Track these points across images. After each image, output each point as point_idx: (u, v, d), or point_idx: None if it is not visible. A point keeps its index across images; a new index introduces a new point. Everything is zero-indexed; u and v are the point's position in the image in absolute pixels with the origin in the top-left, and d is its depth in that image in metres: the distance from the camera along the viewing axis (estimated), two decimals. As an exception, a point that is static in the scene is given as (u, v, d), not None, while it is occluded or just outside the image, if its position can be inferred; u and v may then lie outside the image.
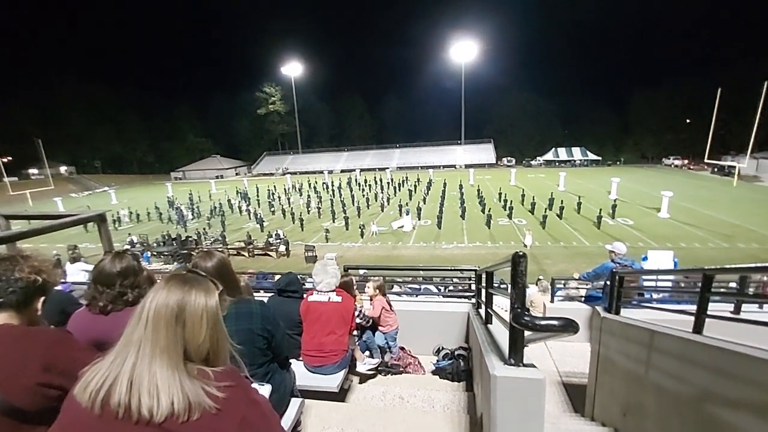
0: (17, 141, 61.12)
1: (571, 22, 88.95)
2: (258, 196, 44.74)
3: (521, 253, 1.93)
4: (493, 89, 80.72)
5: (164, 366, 0.94)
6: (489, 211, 28.75)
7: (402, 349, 4.74)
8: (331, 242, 25.40)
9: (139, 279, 2.14)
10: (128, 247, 22.35)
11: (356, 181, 52.87)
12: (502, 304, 6.08)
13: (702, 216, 27.95)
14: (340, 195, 42.28)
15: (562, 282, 8.50)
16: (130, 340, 0.97)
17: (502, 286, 8.86)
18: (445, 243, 24.32)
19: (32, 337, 1.39)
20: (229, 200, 41.24)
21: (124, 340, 0.98)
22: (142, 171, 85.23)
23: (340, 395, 3.49)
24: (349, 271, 5.81)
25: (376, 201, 38.01)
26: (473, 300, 4.89)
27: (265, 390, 2.03)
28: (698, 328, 2.43)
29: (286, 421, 2.34)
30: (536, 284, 9.61)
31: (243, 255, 23.66)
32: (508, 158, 72.71)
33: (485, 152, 75.02)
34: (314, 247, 22.51)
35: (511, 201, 31.76)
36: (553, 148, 72.17)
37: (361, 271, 8.71)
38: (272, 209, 37.16)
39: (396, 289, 7.94)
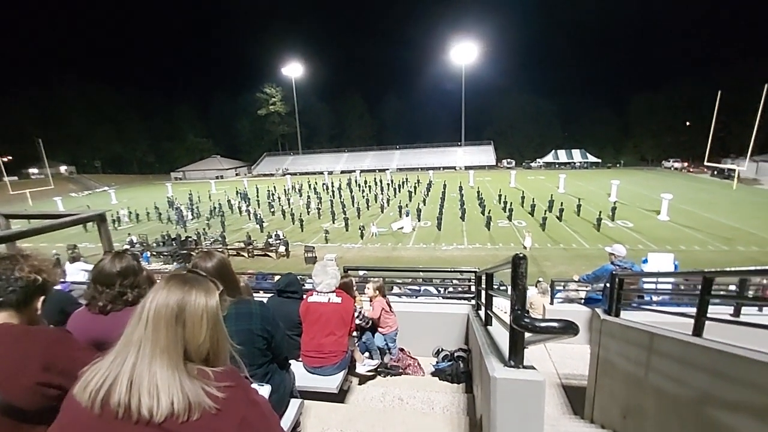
0: (17, 140, 61.18)
1: (571, 23, 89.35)
2: (258, 196, 44.74)
3: (521, 255, 1.93)
4: (493, 91, 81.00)
5: (164, 366, 0.94)
6: (489, 212, 28.73)
7: (401, 350, 4.73)
8: (331, 243, 25.38)
9: (139, 279, 2.14)
10: (128, 247, 22.33)
11: (356, 182, 52.86)
12: (501, 305, 6.08)
13: (702, 219, 27.95)
14: (340, 196, 42.27)
15: (562, 284, 8.50)
16: (130, 340, 0.97)
17: (501, 287, 8.86)
18: (445, 244, 24.31)
19: (32, 337, 1.39)
20: (229, 201, 41.22)
21: (124, 340, 0.98)
22: (142, 171, 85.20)
23: (339, 396, 3.48)
24: (349, 272, 5.81)
25: (376, 202, 38.00)
26: (473, 302, 4.89)
27: (264, 390, 2.03)
28: (698, 331, 2.44)
29: (286, 421, 2.34)
30: (536, 286, 9.61)
31: (242, 255, 23.65)
32: (508, 160, 72.79)
33: (485, 154, 75.05)
34: (314, 248, 22.50)
35: (511, 203, 31.74)
36: (553, 150, 72.22)
37: (361, 272, 8.72)
38: (272, 210, 37.14)
39: (396, 290, 7.93)
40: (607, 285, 4.59)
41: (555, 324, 1.80)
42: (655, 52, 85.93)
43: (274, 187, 49.77)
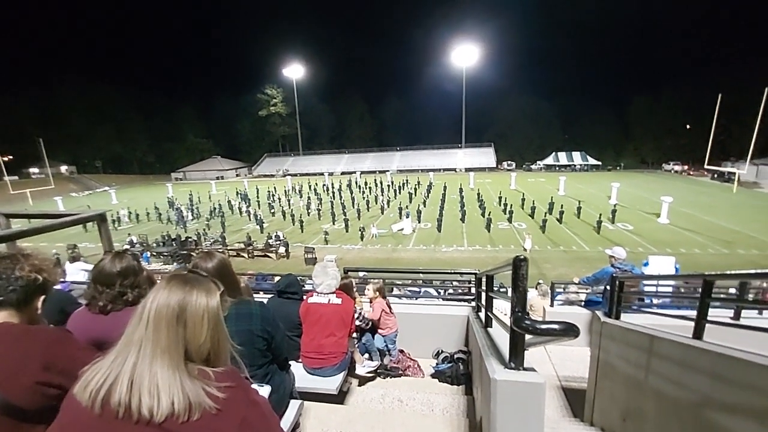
0: (18, 140, 61.23)
1: (572, 26, 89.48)
2: (258, 197, 44.76)
3: (522, 257, 1.92)
4: (494, 93, 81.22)
5: (165, 366, 0.94)
6: (489, 214, 28.73)
7: (401, 351, 4.73)
8: (331, 244, 25.38)
9: (139, 279, 2.14)
10: (128, 247, 22.33)
11: (356, 183, 52.88)
12: (501, 307, 6.08)
13: (702, 222, 27.95)
14: (340, 197, 42.30)
15: (562, 286, 8.49)
16: (131, 340, 0.97)
17: (501, 290, 8.86)
18: (445, 246, 24.31)
19: (32, 336, 1.39)
20: (229, 201, 41.22)
21: (125, 340, 0.98)
22: (143, 171, 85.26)
23: (339, 397, 3.48)
24: (349, 273, 5.81)
25: (376, 203, 38.01)
26: (473, 303, 4.89)
27: (264, 391, 2.03)
28: (698, 334, 2.43)
29: (285, 422, 2.33)
30: (536, 288, 9.60)
31: (242, 256, 23.64)
32: (509, 162, 72.91)
33: (485, 156, 75.16)
34: (314, 249, 22.50)
35: (511, 205, 31.75)
36: (554, 153, 72.35)
37: (361, 274, 8.72)
38: (272, 211, 37.15)
39: (396, 291, 7.94)
40: (607, 287, 4.60)
41: (556, 326, 1.80)
42: (655, 54, 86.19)
43: (275, 187, 49.80)
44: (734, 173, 41.01)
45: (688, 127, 65.87)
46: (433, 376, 4.43)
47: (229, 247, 24.39)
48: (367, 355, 4.41)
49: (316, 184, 53.77)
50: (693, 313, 2.58)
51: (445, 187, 42.61)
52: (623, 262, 5.54)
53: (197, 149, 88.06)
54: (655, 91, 69.80)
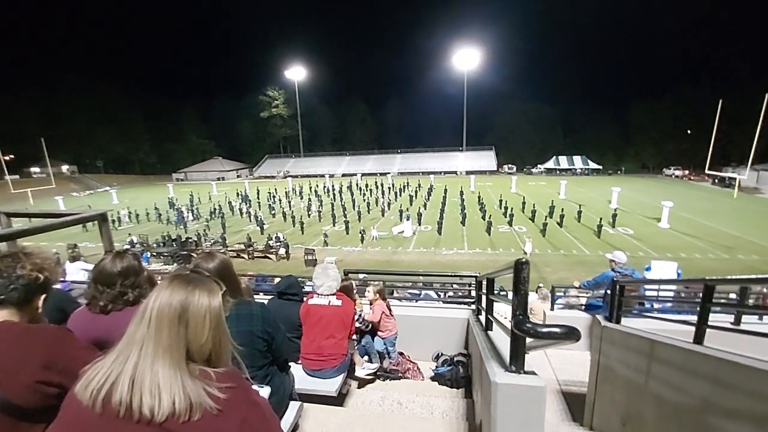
0: (20, 139, 61.23)
1: (574, 30, 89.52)
2: (258, 198, 44.79)
3: (524, 260, 1.92)
4: (495, 96, 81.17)
5: (166, 365, 0.93)
6: (489, 217, 28.75)
7: (401, 354, 4.72)
8: (332, 246, 25.39)
9: (140, 279, 2.13)
10: (128, 247, 22.34)
11: (357, 185, 52.94)
12: (501, 311, 6.07)
13: (702, 227, 27.95)
14: (341, 199, 42.31)
15: (563, 290, 8.49)
16: (132, 339, 0.97)
17: (501, 293, 8.85)
18: (445, 249, 24.32)
19: (33, 335, 1.39)
20: (229, 202, 41.24)
21: (127, 339, 0.98)
22: (144, 171, 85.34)
23: (338, 400, 3.47)
24: (349, 275, 5.80)
25: (376, 206, 38.02)
26: (473, 306, 4.88)
27: (264, 392, 2.02)
28: (699, 339, 2.43)
29: (285, 424, 2.33)
30: (536, 292, 9.60)
31: (243, 257, 23.66)
32: (509, 165, 72.87)
33: (486, 159, 75.21)
34: (314, 250, 22.51)
35: (512, 208, 31.78)
36: (554, 156, 72.38)
37: (361, 276, 8.71)
38: (272, 212, 37.17)
39: (396, 294, 7.92)
40: (608, 291, 4.59)
41: (557, 329, 1.79)
42: (657, 59, 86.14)
43: (275, 189, 49.86)
44: (735, 178, 40.93)
45: (689, 132, 65.83)
46: (432, 379, 4.42)
47: (229, 248, 24.41)
48: (366, 358, 4.40)
49: (317, 185, 53.81)
50: (694, 318, 2.58)
51: (445, 189, 42.63)
52: (624, 266, 5.54)
53: (199, 150, 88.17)
54: (657, 96, 69.78)
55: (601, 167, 69.28)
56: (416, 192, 46.65)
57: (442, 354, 4.68)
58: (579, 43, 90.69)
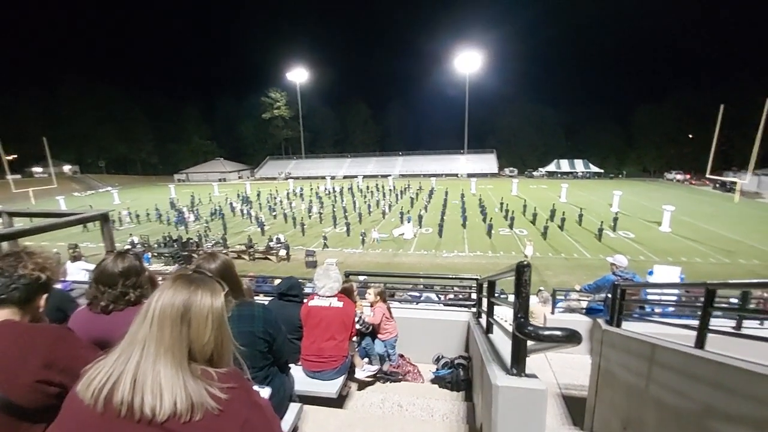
0: (22, 139, 61.27)
1: (576, 34, 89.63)
2: (259, 199, 44.82)
3: (525, 263, 1.92)
4: (497, 99, 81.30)
5: (168, 365, 0.93)
6: (490, 220, 28.76)
7: (401, 356, 4.71)
8: (333, 248, 25.39)
9: (141, 279, 2.14)
10: (129, 247, 22.36)
11: (358, 187, 52.96)
12: (501, 314, 6.06)
13: (703, 231, 27.92)
14: (342, 201, 42.32)
15: (563, 293, 8.47)
16: (134, 339, 0.97)
17: (501, 296, 8.84)
18: (446, 251, 24.30)
19: (34, 334, 1.39)
20: (231, 203, 41.26)
21: (129, 339, 0.98)
22: (146, 172, 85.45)
23: (338, 401, 3.46)
24: (350, 277, 5.80)
25: (377, 208, 38.02)
26: (473, 309, 4.87)
27: (265, 392, 2.02)
28: (700, 343, 2.42)
29: (285, 425, 2.32)
30: (537, 295, 9.57)
31: (243, 258, 23.66)
32: (511, 168, 73.01)
33: (488, 162, 75.25)
34: (314, 252, 22.51)
35: (513, 211, 31.77)
36: (556, 160, 72.46)
37: (361, 278, 8.71)
38: (273, 213, 37.19)
39: (396, 296, 7.92)
40: (609, 295, 4.58)
41: (558, 332, 1.79)
42: (659, 64, 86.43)
43: (276, 190, 49.89)
44: (736, 183, 40.96)
45: (690, 136, 65.84)
46: (433, 381, 4.41)
47: (230, 249, 24.42)
48: (366, 359, 4.39)
49: (318, 187, 53.84)
50: (695, 322, 2.57)
51: (446, 192, 42.66)
52: (624, 270, 5.52)
53: (201, 151, 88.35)
54: (659, 101, 69.90)
55: (602, 171, 69.31)
56: (417, 194, 46.65)
57: (442, 356, 4.67)
58: (581, 46, 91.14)
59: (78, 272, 7.11)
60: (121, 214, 35.31)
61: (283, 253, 23.53)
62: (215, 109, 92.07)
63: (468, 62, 75.07)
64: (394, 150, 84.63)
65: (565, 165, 70.96)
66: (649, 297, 5.88)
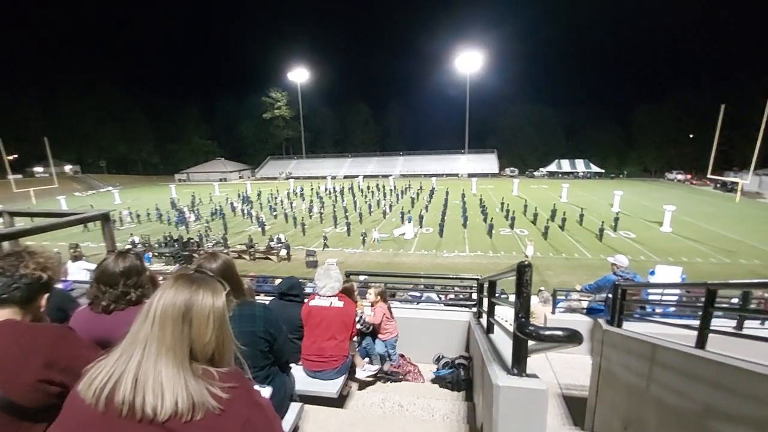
0: (23, 139, 61.38)
1: (576, 34, 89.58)
2: (259, 199, 44.83)
3: (527, 263, 1.92)
4: (498, 99, 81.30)
5: (170, 365, 0.93)
6: (491, 220, 28.75)
7: (402, 356, 4.71)
8: (333, 248, 25.39)
9: (142, 279, 2.13)
10: (129, 247, 22.36)
11: (359, 187, 52.96)
12: (501, 314, 6.06)
13: (704, 231, 27.89)
14: (343, 200, 42.32)
15: (564, 293, 8.46)
16: (136, 338, 0.97)
17: (502, 296, 8.84)
18: (447, 251, 24.29)
19: (36, 333, 1.39)
20: (231, 203, 41.27)
21: (130, 338, 0.98)
22: (147, 172, 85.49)
23: (339, 401, 3.47)
24: (351, 277, 5.80)
25: (378, 207, 38.02)
26: (474, 309, 4.87)
27: (266, 392, 2.02)
28: (701, 343, 2.42)
29: (285, 425, 2.32)
30: (537, 295, 9.56)
31: (244, 258, 23.66)
32: (511, 168, 72.98)
33: (488, 162, 75.22)
34: (315, 252, 22.52)
35: (513, 211, 31.75)
36: (557, 160, 72.43)
37: (362, 278, 8.71)
38: (274, 213, 37.18)
39: (397, 296, 7.92)
40: (610, 295, 4.58)
41: (560, 332, 1.79)
42: (659, 64, 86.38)
43: (277, 190, 49.92)
44: (737, 183, 40.95)
45: (691, 136, 65.79)
46: (433, 381, 4.41)
47: (230, 249, 24.43)
48: (367, 359, 4.39)
49: (318, 187, 53.84)
50: (696, 323, 2.57)
51: (447, 192, 42.62)
52: (625, 270, 5.52)
53: (201, 151, 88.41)
54: (659, 101, 69.89)
55: (603, 171, 69.25)
56: (418, 194, 46.62)
57: (443, 356, 4.67)
58: (581, 46, 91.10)
59: (79, 272, 7.11)
60: (122, 213, 35.32)
61: (283, 253, 23.53)
62: (215, 109, 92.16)
63: (468, 62, 75.04)
64: (395, 150, 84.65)
65: (566, 165, 70.94)
66: (650, 297, 5.88)
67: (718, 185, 49.56)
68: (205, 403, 0.92)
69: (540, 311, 7.92)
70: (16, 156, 61.09)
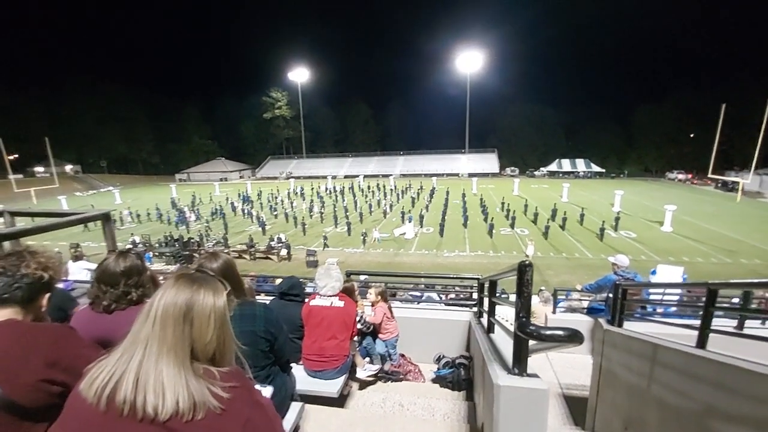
0: (24, 138, 61.39)
1: (576, 34, 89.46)
2: (260, 199, 44.85)
3: (528, 262, 1.92)
4: (498, 99, 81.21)
5: (171, 364, 0.94)
6: (491, 220, 28.74)
7: (402, 356, 4.72)
8: (333, 248, 25.39)
9: (143, 278, 2.13)
10: (130, 247, 22.37)
11: (359, 186, 52.95)
12: (502, 314, 6.06)
13: (705, 231, 27.87)
14: (343, 200, 42.33)
15: (564, 293, 8.46)
16: (137, 338, 0.97)
17: (502, 296, 8.84)
18: (447, 251, 24.29)
19: (38, 333, 1.39)
20: (232, 203, 41.28)
21: (132, 338, 0.98)
22: (147, 172, 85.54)
23: (339, 401, 3.47)
24: (351, 276, 5.80)
25: (378, 207, 38.02)
26: (474, 308, 4.87)
27: (267, 391, 2.03)
28: (702, 343, 2.42)
29: (286, 424, 2.32)
30: (538, 295, 9.55)
31: (244, 258, 23.67)
32: (512, 168, 72.95)
33: (489, 162, 75.20)
34: (315, 251, 22.52)
35: (514, 211, 31.73)
36: (557, 159, 72.41)
37: (362, 277, 8.71)
38: (274, 213, 37.19)
39: (398, 296, 7.92)
40: (610, 295, 4.57)
41: (560, 332, 1.79)
42: (659, 63, 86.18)
43: (277, 190, 49.91)
44: (738, 182, 40.93)
45: (692, 135, 65.72)
46: (434, 381, 4.41)
47: (231, 249, 24.43)
48: (368, 359, 4.40)
49: (319, 186, 53.85)
50: (696, 322, 2.57)
51: (447, 192, 42.61)
52: (626, 270, 5.51)
53: (202, 151, 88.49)
54: (660, 100, 69.82)
55: (603, 170, 69.19)
56: (418, 194, 46.62)
57: (443, 356, 4.67)
58: (581, 46, 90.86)
59: (80, 272, 7.12)
60: (123, 213, 35.34)
61: (284, 252, 23.54)
62: (216, 109, 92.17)
63: (469, 62, 75.05)
64: (395, 150, 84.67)
65: (566, 165, 70.92)
66: (651, 297, 5.87)
67: (719, 185, 49.52)
68: (206, 403, 0.92)
69: (541, 311, 7.91)
70: (17, 156, 61.13)
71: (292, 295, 3.71)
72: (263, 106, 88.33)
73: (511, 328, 1.97)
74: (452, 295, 9.47)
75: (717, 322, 2.78)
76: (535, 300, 9.02)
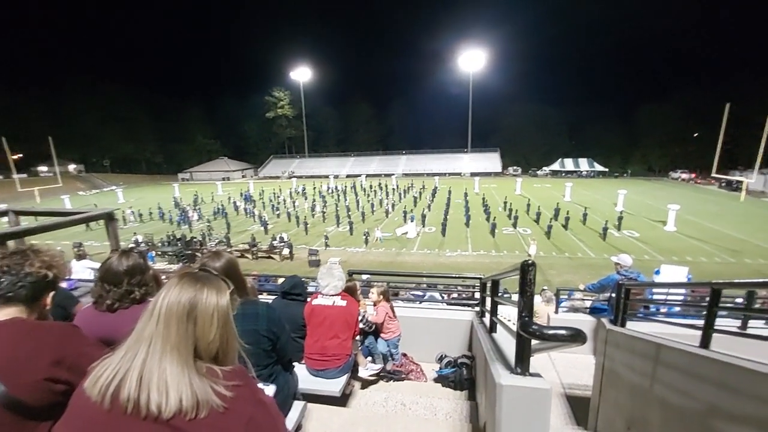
0: (27, 138, 61.60)
1: (580, 33, 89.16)
2: (262, 198, 44.90)
3: (530, 262, 1.92)
4: (501, 98, 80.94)
5: (174, 363, 0.94)
6: (494, 219, 28.69)
7: (404, 355, 4.72)
8: (335, 247, 25.41)
9: (146, 277, 2.14)
10: (133, 246, 22.43)
11: (362, 186, 52.96)
12: (504, 313, 6.05)
13: (708, 230, 27.77)
14: (345, 200, 42.36)
15: (567, 293, 8.44)
16: (141, 336, 0.97)
17: (505, 295, 8.83)
18: (449, 250, 24.27)
19: (43, 332, 1.39)
20: (234, 202, 41.34)
21: (135, 336, 0.99)
22: (150, 171, 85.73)
23: (341, 400, 3.47)
24: (353, 276, 5.80)
25: (380, 207, 38.01)
26: (477, 308, 4.87)
27: (270, 390, 2.03)
28: (705, 343, 2.41)
29: (289, 423, 2.33)
30: (540, 294, 9.54)
31: (246, 257, 23.71)
32: (514, 167, 72.82)
33: (491, 161, 75.08)
34: (318, 251, 22.54)
35: (516, 210, 31.68)
36: (560, 159, 72.23)
37: (364, 277, 8.71)
38: (277, 212, 37.26)
39: (400, 295, 7.91)
40: (613, 295, 4.56)
41: (563, 331, 1.78)
42: (662, 63, 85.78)
43: (280, 189, 49.96)
44: (742, 182, 40.77)
45: (695, 134, 65.43)
46: (436, 380, 4.41)
47: (233, 248, 24.47)
48: (370, 358, 4.40)
49: (321, 186, 53.89)
50: (700, 322, 2.56)
51: (450, 191, 42.60)
52: (629, 270, 5.50)
53: (205, 150, 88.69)
54: (663, 99, 69.42)
55: (606, 170, 68.99)
56: (420, 193, 46.59)
57: (445, 356, 4.67)
58: (584, 45, 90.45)
59: (83, 271, 7.15)
60: (126, 213, 35.45)
61: (286, 252, 23.57)
62: (218, 109, 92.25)
63: (471, 61, 74.95)
64: (398, 149, 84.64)
65: (569, 164, 70.75)
66: (654, 296, 5.86)
67: (723, 184, 49.33)
68: (209, 401, 0.93)
69: (543, 310, 7.90)
70: (20, 155, 61.37)
71: (295, 294, 3.72)
72: (266, 105, 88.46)
73: (514, 328, 1.97)
74: (454, 295, 9.47)
75: (720, 322, 2.77)
76: (537, 300, 9.01)
